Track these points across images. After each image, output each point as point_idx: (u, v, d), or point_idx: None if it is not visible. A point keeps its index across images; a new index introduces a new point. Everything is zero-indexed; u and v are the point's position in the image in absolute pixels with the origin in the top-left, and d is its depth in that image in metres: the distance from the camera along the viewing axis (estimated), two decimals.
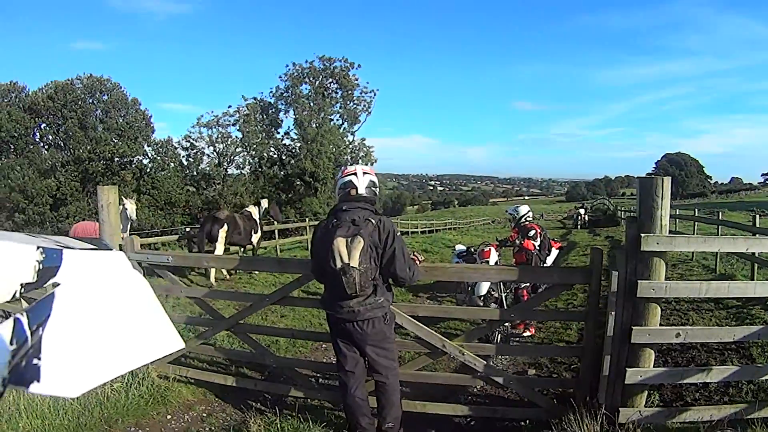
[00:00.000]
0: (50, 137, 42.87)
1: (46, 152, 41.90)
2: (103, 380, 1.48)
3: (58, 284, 1.51)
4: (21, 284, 1.43)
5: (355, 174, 4.75)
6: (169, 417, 5.77)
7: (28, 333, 1.32)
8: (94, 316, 1.54)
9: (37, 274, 1.47)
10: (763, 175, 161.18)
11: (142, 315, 1.71)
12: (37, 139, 42.52)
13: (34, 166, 39.00)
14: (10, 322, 1.29)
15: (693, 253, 16.35)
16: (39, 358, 1.32)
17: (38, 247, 1.52)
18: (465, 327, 9.17)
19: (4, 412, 4.94)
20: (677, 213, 24.03)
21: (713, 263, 14.78)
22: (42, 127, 42.50)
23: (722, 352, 7.03)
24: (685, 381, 5.15)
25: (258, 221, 17.11)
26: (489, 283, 8.68)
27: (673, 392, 5.85)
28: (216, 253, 14.80)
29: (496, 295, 8.85)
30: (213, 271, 14.72)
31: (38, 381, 1.30)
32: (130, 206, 15.07)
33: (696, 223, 19.79)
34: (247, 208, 17.73)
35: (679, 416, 4.72)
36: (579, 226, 42.16)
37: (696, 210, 21.74)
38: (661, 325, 4.63)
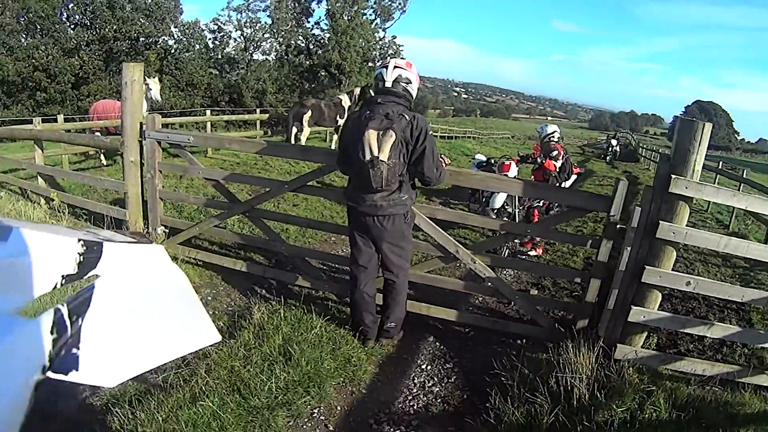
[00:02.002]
0: (77, 17, 41.92)
1: (71, 31, 41.11)
2: (140, 371, 1.50)
3: (98, 276, 1.53)
4: (62, 276, 1.43)
5: (386, 67, 4.65)
6: None
7: (68, 323, 1.34)
8: (133, 308, 1.55)
9: (77, 266, 1.47)
10: None
11: (179, 308, 1.72)
12: (64, 19, 41.64)
13: (59, 45, 38.47)
14: (51, 312, 1.30)
15: (709, 203, 16.19)
16: (78, 348, 1.34)
17: (79, 240, 1.53)
18: (473, 237, 9.36)
19: None
20: None
21: (727, 219, 14.71)
22: (69, 6, 41.52)
23: (722, 309, 7.06)
24: (684, 330, 5.19)
25: (346, 108, 18.03)
26: (504, 197, 8.72)
27: (669, 338, 5.90)
28: (303, 134, 17.11)
29: (510, 210, 8.88)
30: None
31: (77, 370, 1.32)
32: (155, 86, 14.94)
33: (718, 175, 19.24)
34: (339, 95, 19.10)
35: (673, 364, 4.77)
36: (607, 157, 39.01)
37: (720, 163, 21.29)
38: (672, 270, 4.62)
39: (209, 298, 5.99)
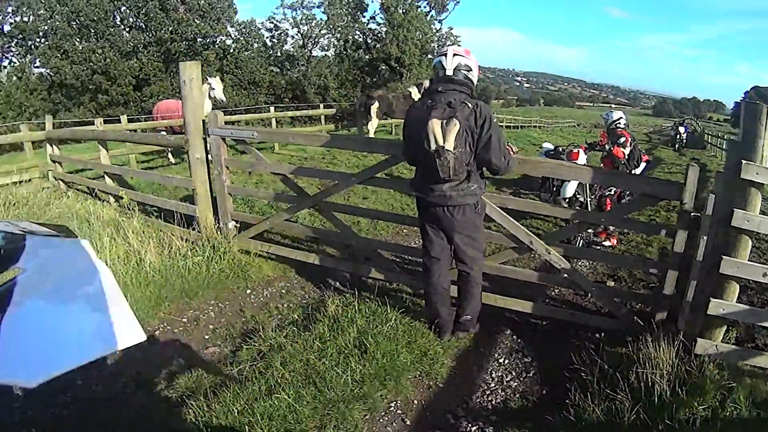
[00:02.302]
0: (131, 19, 42.60)
1: (127, 34, 41.72)
2: (62, 370, 1.46)
3: (20, 270, 1.49)
4: None
5: (444, 55, 4.60)
6: (248, 291, 5.97)
7: None
8: (56, 305, 1.51)
9: None
10: None
11: (104, 305, 1.68)
12: (118, 22, 42.26)
13: (116, 48, 39.10)
14: None
15: None
16: None
17: (0, 231, 1.50)
18: (546, 227, 9.25)
19: None
20: None
21: None
22: (122, 9, 42.13)
23: None
24: (763, 324, 5.04)
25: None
26: (575, 186, 8.63)
27: (746, 333, 5.69)
28: (371, 124, 17.68)
29: (582, 199, 8.78)
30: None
31: None
32: (218, 85, 14.88)
33: None
34: (408, 88, 19.60)
35: (753, 359, 4.62)
36: (675, 145, 36.94)
37: None
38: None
39: (283, 291, 6.07)
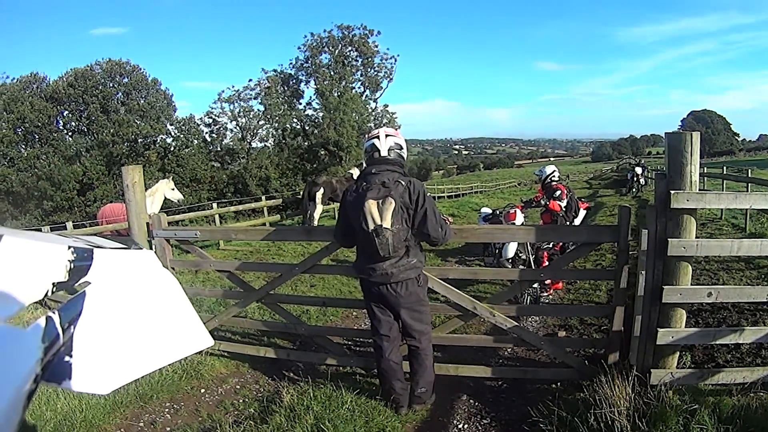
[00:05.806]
0: (73, 124, 43.52)
1: (70, 139, 42.38)
2: (133, 377, 1.49)
3: (89, 283, 1.53)
4: (53, 283, 1.43)
5: (377, 137, 4.76)
6: (203, 391, 5.85)
7: (60, 331, 1.33)
8: (125, 314, 1.55)
9: (68, 273, 1.47)
10: None
11: (171, 313, 1.72)
12: (60, 127, 43.02)
13: (59, 153, 39.49)
14: (42, 320, 1.30)
15: (722, 211, 16.18)
16: (71, 356, 1.33)
17: (69, 247, 1.53)
18: (494, 290, 9.18)
19: (42, 395, 5.04)
20: (705, 171, 23.36)
21: (743, 222, 14.51)
22: (64, 114, 42.97)
23: (754, 312, 6.93)
24: (717, 342, 5.07)
25: None
26: (516, 246, 8.70)
27: (705, 353, 5.79)
28: (316, 212, 17.76)
29: (524, 257, 8.83)
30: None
31: (69, 378, 1.31)
32: (175, 192, 15.71)
33: (725, 181, 19.18)
34: (350, 170, 20.03)
35: (712, 378, 4.65)
36: (633, 190, 31.97)
37: (724, 168, 21.16)
38: (691, 284, 4.56)
39: (238, 387, 5.99)
